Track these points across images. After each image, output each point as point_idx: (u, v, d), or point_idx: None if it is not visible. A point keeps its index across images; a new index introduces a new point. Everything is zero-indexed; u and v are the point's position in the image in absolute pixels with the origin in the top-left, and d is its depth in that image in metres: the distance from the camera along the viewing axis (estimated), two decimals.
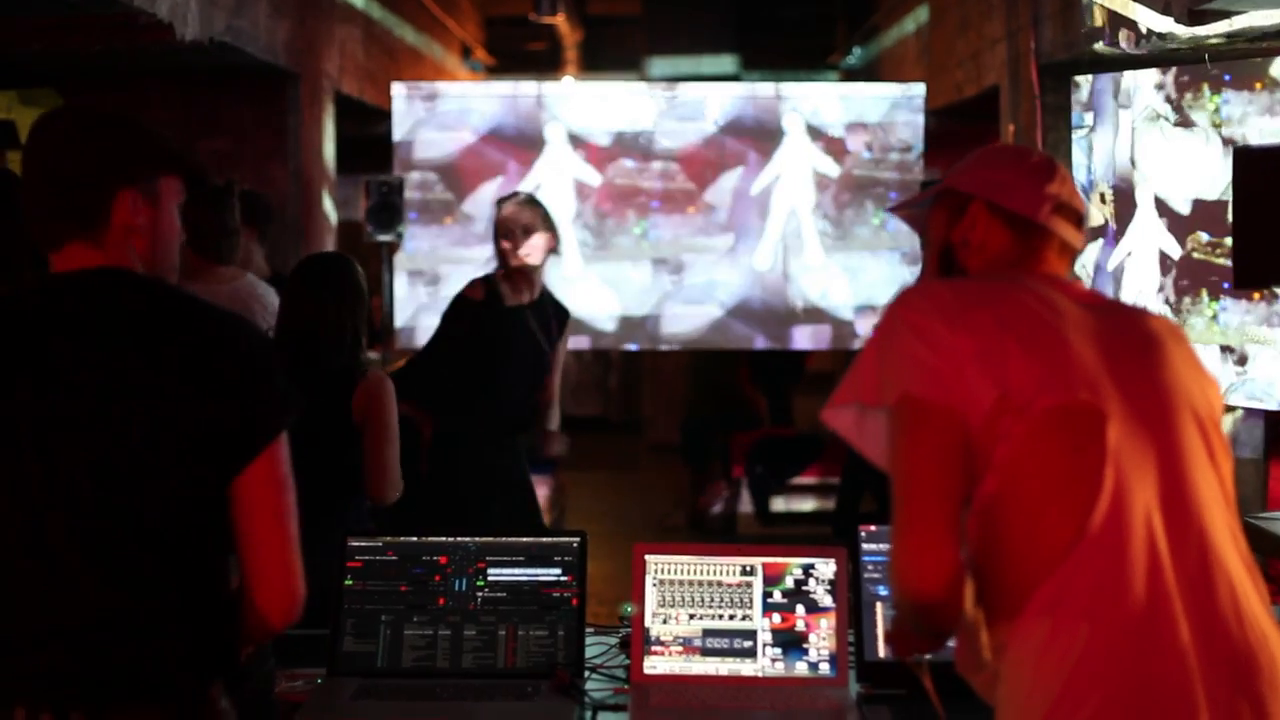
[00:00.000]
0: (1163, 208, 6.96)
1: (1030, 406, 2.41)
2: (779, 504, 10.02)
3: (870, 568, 3.51)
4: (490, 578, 3.49)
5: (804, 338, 9.74)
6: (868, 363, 2.57)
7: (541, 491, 9.98)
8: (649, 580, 3.46)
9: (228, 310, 2.71)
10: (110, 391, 2.53)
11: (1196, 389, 2.58)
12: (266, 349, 2.68)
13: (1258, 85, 6.44)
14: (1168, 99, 6.89)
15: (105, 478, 2.52)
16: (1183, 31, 6.33)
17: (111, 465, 2.52)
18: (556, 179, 9.55)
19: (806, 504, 10.10)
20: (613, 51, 16.63)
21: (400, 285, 9.33)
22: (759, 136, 9.62)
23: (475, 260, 8.22)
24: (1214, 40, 6.47)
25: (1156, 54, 7.09)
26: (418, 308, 9.40)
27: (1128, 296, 7.12)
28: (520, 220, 6.09)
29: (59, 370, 2.55)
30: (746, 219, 9.64)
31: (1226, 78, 6.57)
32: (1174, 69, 6.85)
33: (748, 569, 3.48)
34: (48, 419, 2.53)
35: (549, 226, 6.16)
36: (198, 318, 2.63)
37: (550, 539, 3.55)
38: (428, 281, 9.43)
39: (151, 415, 2.53)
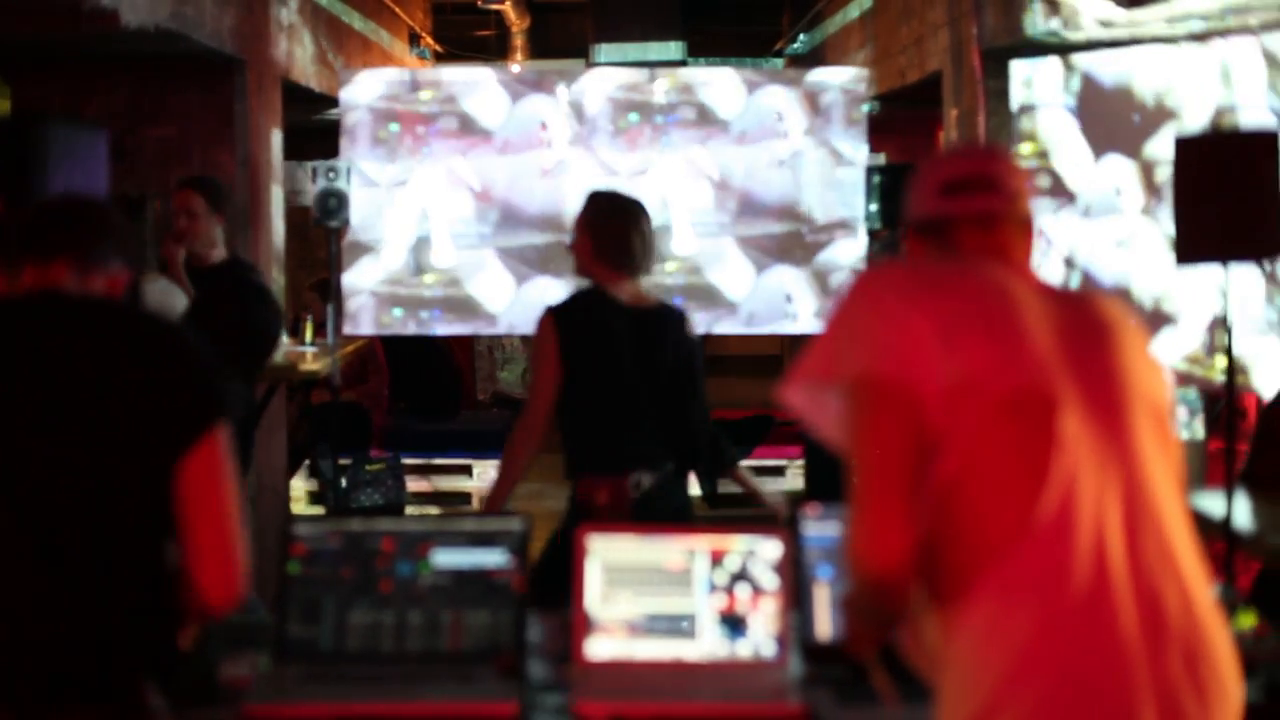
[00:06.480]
0: None
1: (984, 392, 2.45)
2: (726, 486, 10.01)
3: (813, 549, 3.54)
4: (434, 561, 3.50)
5: None
6: (825, 341, 2.62)
7: (490, 475, 10.02)
8: (592, 563, 3.49)
9: (167, 321, 2.89)
10: (57, 391, 2.60)
11: (1148, 377, 2.61)
12: (200, 352, 2.77)
13: None
14: None
15: (51, 469, 2.57)
16: (1122, 16, 6.39)
17: (56, 457, 2.57)
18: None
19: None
20: (560, 38, 16.63)
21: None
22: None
23: None
24: (1155, 25, 6.53)
25: (1097, 39, 7.15)
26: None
27: None
28: None
29: (10, 373, 2.64)
30: None
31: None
32: None
33: (691, 551, 3.50)
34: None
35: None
36: (138, 326, 2.77)
37: (494, 522, 3.57)
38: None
39: (94, 411, 2.60)
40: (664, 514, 4.96)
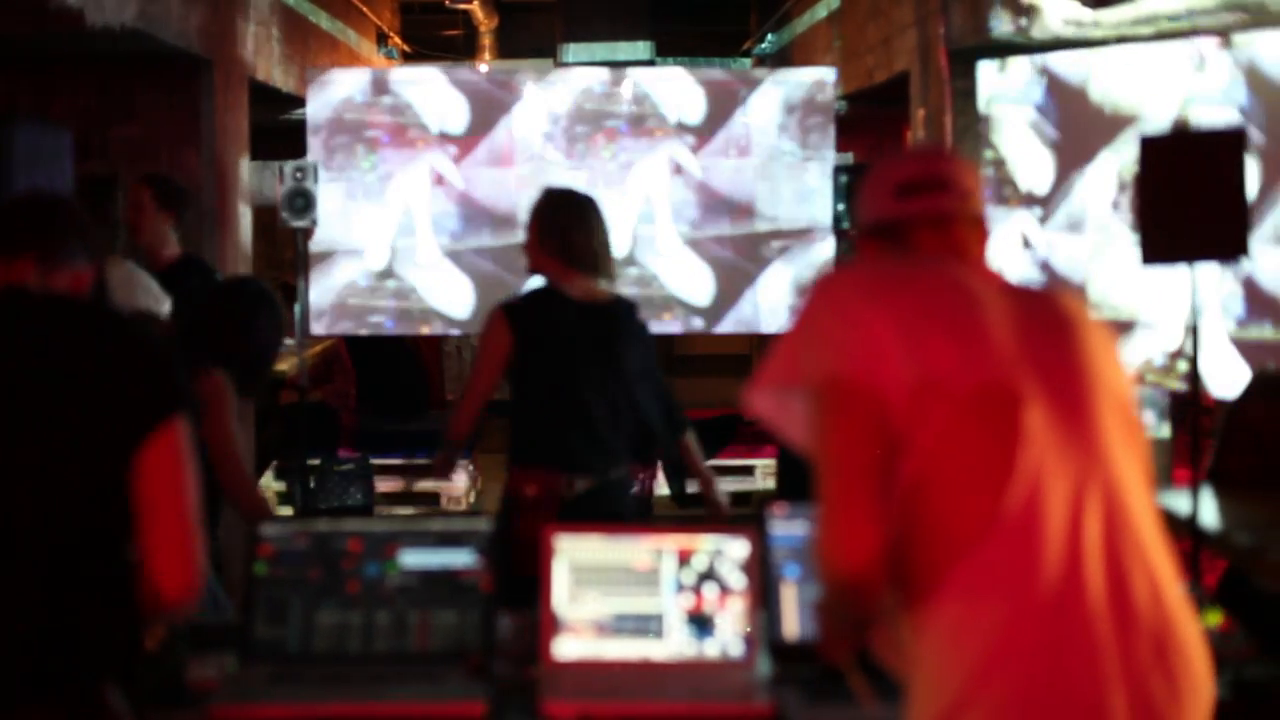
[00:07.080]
0: None
1: (948, 390, 2.46)
2: (695, 485, 10.00)
3: (781, 548, 3.54)
4: (402, 562, 3.50)
5: None
6: (789, 345, 2.62)
7: (458, 475, 10.02)
8: (560, 563, 3.48)
9: (129, 317, 2.85)
10: (14, 385, 2.61)
11: (1112, 372, 2.63)
12: (158, 346, 2.77)
13: None
14: None
15: (7, 463, 2.57)
16: (1088, 16, 6.41)
17: (13, 450, 2.58)
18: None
19: (723, 485, 10.08)
20: (528, 38, 16.65)
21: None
22: None
23: None
24: (1121, 25, 6.55)
25: (1064, 39, 7.18)
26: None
27: None
28: None
29: None
30: None
31: None
32: None
33: (658, 550, 3.50)
34: None
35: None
36: (98, 320, 2.77)
37: (461, 523, 3.56)
38: None
39: (52, 405, 2.61)
40: (598, 519, 4.88)
